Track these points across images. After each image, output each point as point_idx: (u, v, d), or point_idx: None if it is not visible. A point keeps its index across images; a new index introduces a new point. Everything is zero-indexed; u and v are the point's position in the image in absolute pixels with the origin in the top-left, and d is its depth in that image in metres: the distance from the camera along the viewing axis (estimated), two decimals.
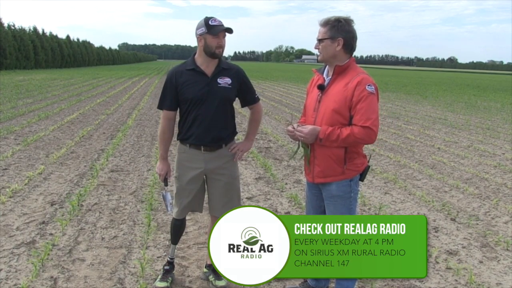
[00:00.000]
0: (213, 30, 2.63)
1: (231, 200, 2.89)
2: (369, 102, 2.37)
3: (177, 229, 3.03)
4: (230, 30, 2.69)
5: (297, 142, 2.62)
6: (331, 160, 2.49)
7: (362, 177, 2.57)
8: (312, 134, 2.45)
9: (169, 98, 2.81)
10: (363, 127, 2.35)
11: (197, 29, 2.70)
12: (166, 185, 2.97)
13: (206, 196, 3.01)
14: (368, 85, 2.38)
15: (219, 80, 2.75)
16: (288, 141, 8.31)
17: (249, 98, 2.94)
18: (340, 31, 2.43)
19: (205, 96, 2.71)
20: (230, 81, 2.77)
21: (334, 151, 2.47)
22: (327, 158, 2.50)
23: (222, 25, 2.65)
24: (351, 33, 2.47)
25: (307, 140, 2.49)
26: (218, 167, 2.85)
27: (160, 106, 2.87)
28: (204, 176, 2.91)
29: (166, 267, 3.06)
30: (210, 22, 2.64)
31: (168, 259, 3.09)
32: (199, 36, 2.69)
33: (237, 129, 2.99)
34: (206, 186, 2.96)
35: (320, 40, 2.49)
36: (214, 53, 2.67)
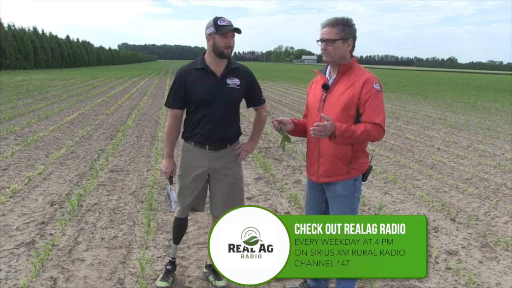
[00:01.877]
0: (221, 30, 2.63)
1: (234, 200, 2.89)
2: (378, 100, 2.40)
3: (179, 228, 3.03)
4: (238, 30, 2.69)
5: (279, 130, 2.61)
6: (337, 159, 2.49)
7: (364, 177, 2.58)
8: (330, 130, 2.35)
9: (178, 97, 2.81)
10: (375, 124, 2.37)
11: (206, 28, 2.71)
12: (171, 183, 2.97)
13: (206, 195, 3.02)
14: (375, 83, 2.42)
15: (228, 81, 2.75)
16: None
17: (256, 99, 2.96)
18: (351, 32, 2.47)
19: (214, 96, 2.72)
20: (239, 82, 2.78)
21: (341, 150, 2.47)
22: (333, 158, 2.50)
23: (231, 25, 2.65)
24: (356, 34, 2.52)
25: (323, 135, 2.36)
26: (222, 167, 2.86)
27: (168, 105, 2.87)
28: (207, 176, 2.91)
29: (168, 267, 3.05)
30: (218, 22, 2.65)
31: (170, 258, 3.09)
32: (208, 36, 2.70)
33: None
34: (208, 186, 2.96)
35: (332, 41, 2.45)
36: (222, 52, 2.68)
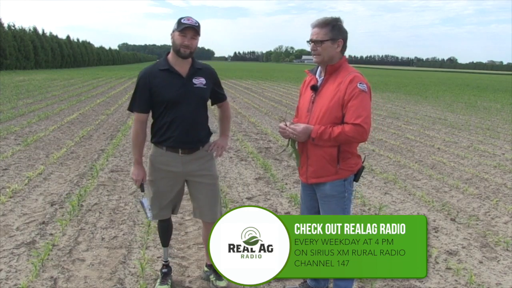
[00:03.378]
0: (179, 26, 2.57)
1: (215, 201, 2.87)
2: (360, 99, 2.36)
3: (165, 230, 3.01)
4: (195, 29, 2.56)
5: (287, 140, 2.62)
6: (324, 160, 2.49)
7: (356, 177, 2.56)
8: (305, 133, 2.45)
9: (142, 100, 2.69)
10: (354, 125, 2.34)
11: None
12: (142, 191, 2.88)
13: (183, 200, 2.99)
14: (360, 83, 2.38)
15: (194, 81, 2.68)
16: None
17: (220, 96, 2.91)
18: (340, 32, 2.44)
19: (182, 97, 2.64)
20: (205, 81, 2.72)
21: (327, 151, 2.46)
22: (320, 158, 2.50)
23: (191, 24, 2.56)
24: (347, 33, 2.49)
25: (299, 138, 2.49)
26: (197, 169, 2.79)
27: (131, 109, 2.74)
28: (185, 181, 2.86)
29: (164, 270, 3.04)
30: (182, 20, 2.57)
31: (163, 262, 3.07)
32: (171, 34, 2.63)
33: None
34: (189, 191, 2.91)
35: (320, 42, 2.44)
36: (178, 50, 2.59)
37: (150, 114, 2.79)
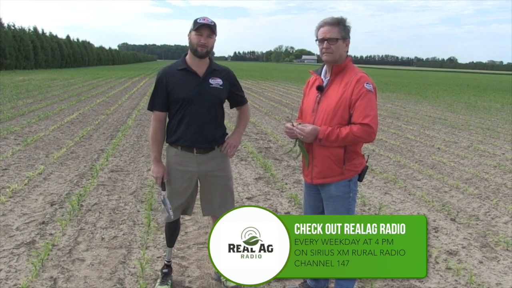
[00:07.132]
0: (195, 26, 2.60)
1: (226, 201, 2.88)
2: (367, 99, 2.37)
3: (172, 231, 3.01)
4: (210, 27, 2.59)
5: (294, 140, 2.61)
6: (330, 161, 2.48)
7: (360, 177, 2.57)
8: (313, 134, 2.44)
9: (160, 99, 2.73)
10: (361, 125, 2.35)
11: None
12: (163, 189, 2.86)
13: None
14: (367, 83, 2.39)
15: (210, 81, 2.71)
16: (288, 141, 8.31)
17: (239, 100, 2.92)
18: (348, 32, 2.49)
19: (197, 96, 2.67)
20: (222, 82, 2.74)
21: (333, 152, 2.46)
22: (326, 159, 2.49)
23: (206, 23, 2.59)
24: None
25: (307, 139, 2.48)
26: (212, 169, 2.80)
27: (151, 107, 2.79)
28: (197, 179, 2.87)
29: (165, 270, 3.04)
30: (198, 20, 2.61)
31: (166, 262, 3.07)
32: (188, 35, 2.67)
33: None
34: (200, 189, 2.91)
35: (335, 40, 2.44)
36: (195, 50, 2.62)
37: None
